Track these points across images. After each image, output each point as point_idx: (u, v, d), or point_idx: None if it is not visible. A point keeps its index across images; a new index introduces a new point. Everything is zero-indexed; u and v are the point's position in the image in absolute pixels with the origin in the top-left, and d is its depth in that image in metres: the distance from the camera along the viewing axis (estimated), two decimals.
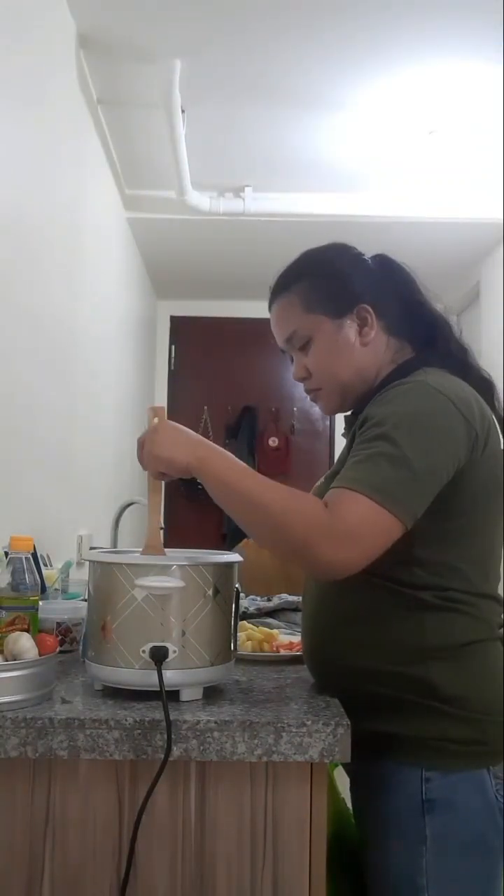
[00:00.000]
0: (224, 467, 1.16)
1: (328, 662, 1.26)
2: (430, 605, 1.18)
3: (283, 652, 1.47)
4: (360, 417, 1.23)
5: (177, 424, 1.22)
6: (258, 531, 1.16)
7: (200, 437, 1.21)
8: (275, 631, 1.61)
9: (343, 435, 1.39)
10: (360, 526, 1.08)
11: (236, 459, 1.18)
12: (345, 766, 1.28)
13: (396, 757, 1.17)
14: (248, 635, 1.53)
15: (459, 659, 1.18)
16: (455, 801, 1.15)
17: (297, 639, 1.56)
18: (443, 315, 1.33)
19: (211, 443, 1.20)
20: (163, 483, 1.26)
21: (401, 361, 1.29)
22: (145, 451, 1.21)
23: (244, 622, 1.69)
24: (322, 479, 1.39)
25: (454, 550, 1.19)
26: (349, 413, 1.36)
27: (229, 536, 4.84)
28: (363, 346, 1.29)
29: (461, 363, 1.28)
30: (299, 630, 1.78)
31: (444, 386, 1.18)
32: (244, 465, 1.18)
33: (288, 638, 1.58)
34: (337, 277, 1.31)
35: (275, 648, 1.50)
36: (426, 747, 1.16)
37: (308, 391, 1.36)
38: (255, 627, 1.62)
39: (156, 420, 1.23)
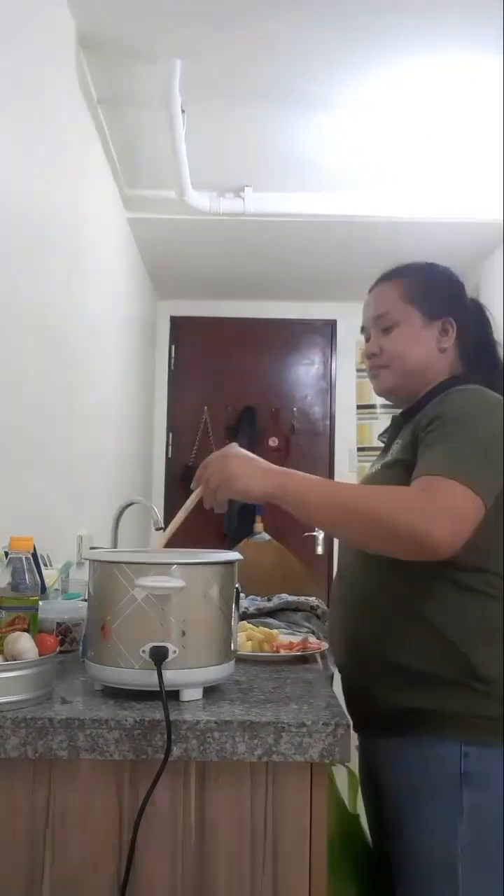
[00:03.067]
0: (307, 488, 1.24)
1: (368, 638, 1.32)
2: (473, 588, 1.26)
3: (283, 652, 1.47)
4: (418, 418, 1.34)
5: (245, 452, 1.28)
6: (360, 533, 1.24)
7: (269, 463, 1.27)
8: (275, 631, 1.61)
9: (380, 437, 1.55)
10: (455, 504, 1.17)
11: (310, 476, 1.26)
12: (368, 741, 1.35)
13: (435, 731, 1.24)
14: (248, 635, 1.53)
15: (498, 643, 1.25)
16: (491, 776, 1.22)
17: (297, 639, 1.56)
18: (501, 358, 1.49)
19: (279, 467, 1.27)
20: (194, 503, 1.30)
21: (453, 375, 1.43)
22: (215, 477, 1.25)
23: (244, 622, 1.69)
24: (376, 468, 1.46)
25: (497, 535, 1.27)
26: (398, 413, 1.50)
27: (229, 536, 4.84)
28: (438, 352, 1.43)
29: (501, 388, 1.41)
30: (299, 630, 1.78)
31: (493, 394, 1.32)
32: (320, 478, 1.26)
33: (288, 638, 1.58)
34: (442, 287, 1.47)
35: (275, 648, 1.50)
36: (465, 724, 1.23)
37: (371, 367, 1.48)
38: (255, 627, 1.62)
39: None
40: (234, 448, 1.28)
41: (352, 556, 1.40)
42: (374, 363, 1.47)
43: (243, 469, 1.24)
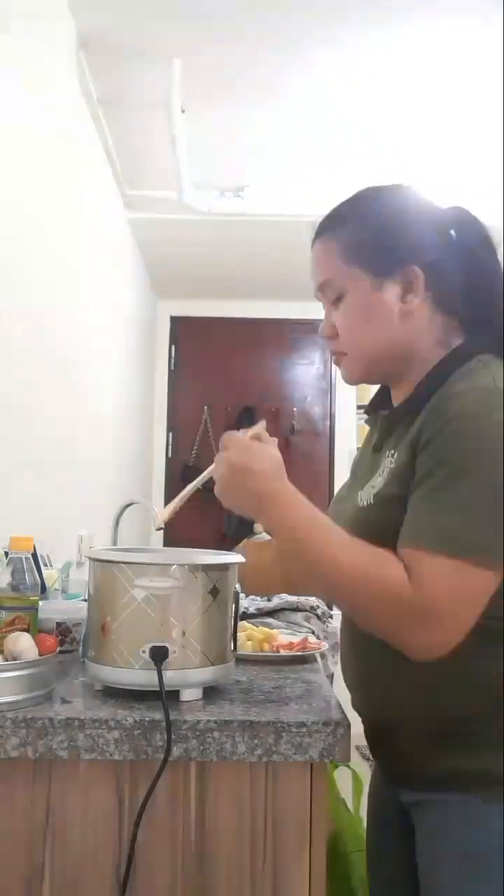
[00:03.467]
0: (288, 525, 1.05)
1: (394, 695, 1.11)
2: (501, 634, 1.04)
3: (283, 652, 1.47)
4: (417, 428, 1.06)
5: (251, 463, 1.06)
6: (338, 602, 1.08)
7: (267, 477, 1.06)
8: (275, 631, 1.61)
9: (366, 411, 1.27)
10: (452, 598, 0.95)
11: (304, 507, 1.04)
12: (402, 793, 1.17)
13: (480, 793, 1.05)
14: (248, 635, 1.53)
15: None
16: None
17: (297, 639, 1.56)
18: None
19: (275, 488, 1.06)
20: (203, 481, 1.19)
21: (452, 346, 1.10)
22: (218, 485, 1.09)
23: (244, 622, 1.69)
24: (344, 491, 1.27)
25: None
26: (385, 413, 1.20)
27: (229, 536, 4.84)
28: (402, 315, 1.10)
29: None
30: (299, 630, 1.78)
31: None
32: (312, 515, 1.04)
33: (288, 638, 1.58)
34: (390, 228, 1.12)
35: (275, 648, 1.50)
36: None
37: (332, 352, 1.19)
38: (255, 627, 1.62)
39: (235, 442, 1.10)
40: (244, 453, 1.07)
41: None
42: (332, 348, 1.17)
43: (236, 486, 1.07)
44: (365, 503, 1.15)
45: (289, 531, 1.06)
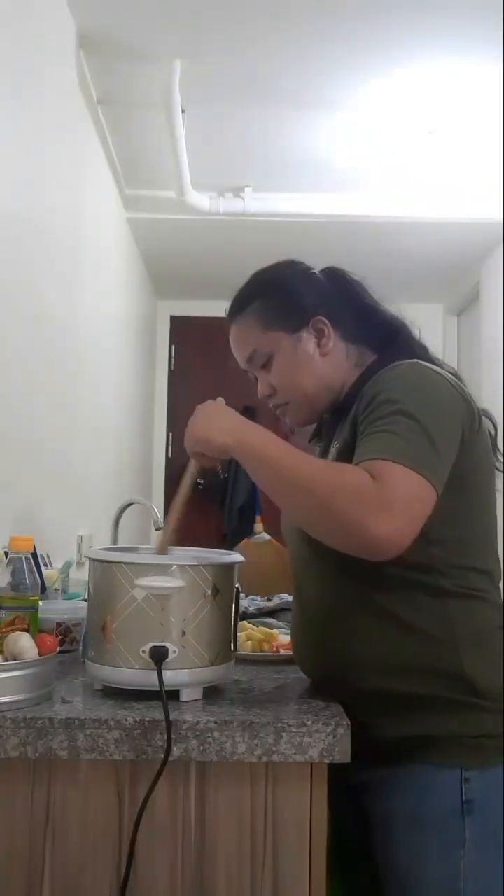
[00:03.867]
0: (262, 446, 1.14)
1: (351, 665, 1.19)
2: (451, 592, 1.16)
3: (283, 652, 1.47)
4: (356, 405, 1.21)
5: (223, 406, 1.21)
6: (304, 512, 1.13)
7: (244, 419, 1.18)
8: (275, 631, 1.61)
9: (310, 441, 1.43)
10: (409, 496, 1.06)
11: (276, 437, 1.15)
12: (353, 773, 1.19)
13: (433, 759, 1.14)
14: (248, 635, 1.53)
15: (489, 647, 1.16)
16: (494, 799, 1.14)
17: None
18: (398, 317, 1.34)
19: (253, 424, 1.18)
20: (196, 472, 1.23)
21: (368, 364, 1.29)
22: (191, 423, 1.20)
23: (244, 622, 1.69)
24: None
25: (465, 526, 1.19)
26: (325, 416, 1.36)
27: (229, 536, 4.84)
28: (323, 356, 1.31)
29: (427, 360, 1.27)
30: None
31: (434, 368, 1.21)
32: (285, 443, 1.14)
33: (288, 638, 1.58)
34: (289, 293, 1.33)
35: (275, 648, 1.50)
36: (464, 746, 1.14)
37: (275, 406, 1.37)
38: (255, 627, 1.62)
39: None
40: (214, 401, 1.22)
41: (303, 566, 1.28)
42: (275, 403, 1.36)
43: (208, 418, 1.18)
44: None
45: (262, 451, 1.14)
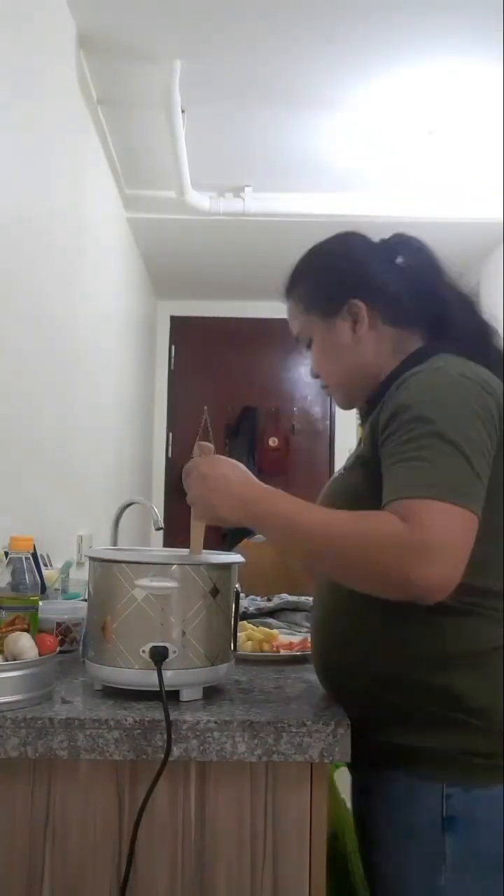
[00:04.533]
0: (276, 514, 1.08)
1: (342, 671, 1.19)
2: (450, 608, 1.08)
3: (283, 652, 1.47)
4: (377, 411, 1.16)
5: (227, 471, 1.12)
6: (344, 572, 1.08)
7: (250, 481, 1.12)
8: (275, 631, 1.61)
9: (360, 426, 1.35)
10: (448, 534, 1.00)
11: (285, 495, 1.10)
12: (354, 775, 1.24)
13: (416, 771, 1.11)
14: (248, 635, 1.53)
15: (483, 667, 1.11)
16: (476, 819, 1.10)
17: (297, 639, 1.56)
18: (466, 295, 1.26)
19: (261, 487, 1.11)
20: (204, 525, 1.19)
21: (410, 352, 1.22)
22: (194, 495, 1.13)
23: (244, 622, 1.69)
24: (340, 473, 1.30)
25: (479, 545, 1.07)
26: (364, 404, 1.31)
27: (229, 536, 4.84)
28: (356, 343, 1.25)
29: (478, 346, 1.19)
30: (299, 630, 1.78)
31: (463, 370, 1.12)
32: (297, 500, 1.09)
33: (288, 638, 1.58)
34: (329, 274, 1.28)
35: (275, 648, 1.50)
36: (448, 762, 1.10)
37: (322, 388, 1.36)
38: (255, 627, 1.62)
39: (201, 458, 1.15)
40: (216, 464, 1.13)
41: (323, 578, 1.25)
42: (321, 385, 1.35)
43: (219, 494, 1.10)
44: (336, 475, 1.31)
45: (282, 519, 1.09)
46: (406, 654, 1.12)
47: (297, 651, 1.47)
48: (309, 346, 1.32)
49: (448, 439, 1.03)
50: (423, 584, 0.99)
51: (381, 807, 1.16)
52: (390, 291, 1.24)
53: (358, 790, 1.24)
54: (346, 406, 1.34)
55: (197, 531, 1.17)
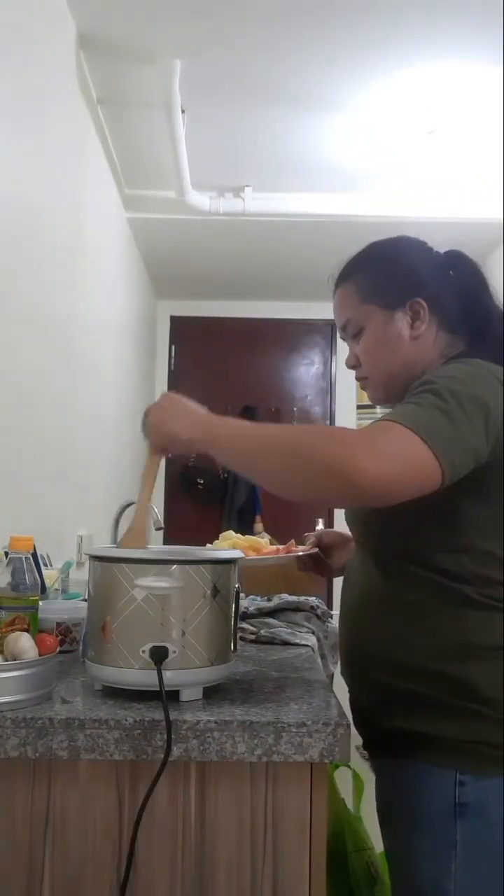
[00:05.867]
0: (232, 432, 1.14)
1: (365, 655, 1.24)
2: (472, 601, 1.15)
3: (268, 556, 1.47)
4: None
5: (186, 400, 1.20)
6: (288, 472, 1.09)
7: (210, 413, 1.18)
8: (262, 539, 1.59)
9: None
10: (400, 449, 1.03)
11: (245, 422, 1.16)
12: (371, 761, 1.28)
13: (430, 758, 1.15)
14: (233, 544, 1.51)
15: (501, 659, 1.14)
16: (488, 807, 1.13)
17: (283, 547, 1.54)
18: None
19: (219, 416, 1.17)
20: (160, 461, 1.26)
21: (451, 355, 1.27)
22: (149, 421, 1.21)
23: (229, 531, 1.66)
24: None
25: (498, 539, 1.15)
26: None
27: None
28: (412, 339, 1.29)
29: None
30: (299, 630, 1.78)
31: (492, 368, 1.16)
32: (256, 423, 1.16)
33: (274, 546, 1.55)
34: (396, 270, 1.32)
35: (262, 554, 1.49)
36: (462, 750, 1.14)
37: (357, 379, 1.38)
38: (241, 536, 1.59)
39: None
40: (173, 394, 1.22)
41: (353, 566, 1.32)
42: (357, 375, 1.37)
43: (174, 413, 1.18)
44: None
45: (238, 429, 1.15)
46: (427, 644, 1.16)
47: (284, 554, 1.45)
48: (355, 336, 1.34)
49: (442, 396, 1.08)
50: (363, 477, 1.00)
51: (396, 792, 1.20)
52: (445, 298, 1.30)
53: (377, 775, 1.28)
54: (380, 400, 1.36)
55: (150, 467, 1.24)
